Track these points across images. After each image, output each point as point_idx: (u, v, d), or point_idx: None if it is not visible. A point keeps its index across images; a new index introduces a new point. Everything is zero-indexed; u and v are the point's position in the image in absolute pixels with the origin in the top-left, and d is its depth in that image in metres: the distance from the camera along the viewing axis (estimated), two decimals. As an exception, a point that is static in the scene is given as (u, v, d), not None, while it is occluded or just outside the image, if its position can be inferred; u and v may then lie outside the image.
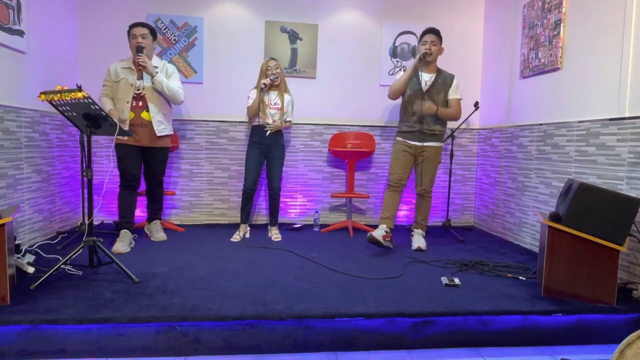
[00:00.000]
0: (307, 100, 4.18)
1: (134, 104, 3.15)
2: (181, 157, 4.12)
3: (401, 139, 3.39)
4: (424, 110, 3.25)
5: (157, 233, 3.41)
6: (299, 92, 4.11)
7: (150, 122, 3.18)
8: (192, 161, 4.13)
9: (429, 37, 3.26)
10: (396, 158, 3.37)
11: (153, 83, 3.14)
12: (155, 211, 3.51)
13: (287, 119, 3.64)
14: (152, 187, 3.43)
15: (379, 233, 3.14)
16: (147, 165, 3.32)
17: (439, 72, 3.35)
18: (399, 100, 3.49)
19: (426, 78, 3.31)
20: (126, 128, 3.10)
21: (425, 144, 3.33)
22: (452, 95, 3.35)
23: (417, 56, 3.23)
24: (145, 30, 3.13)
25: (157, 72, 3.15)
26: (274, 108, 3.56)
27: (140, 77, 3.16)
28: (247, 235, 3.64)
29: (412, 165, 3.40)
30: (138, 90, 3.15)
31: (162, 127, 3.23)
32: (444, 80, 3.33)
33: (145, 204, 3.56)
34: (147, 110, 3.17)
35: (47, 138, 3.41)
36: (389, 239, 3.22)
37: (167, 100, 3.32)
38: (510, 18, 3.87)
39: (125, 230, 3.19)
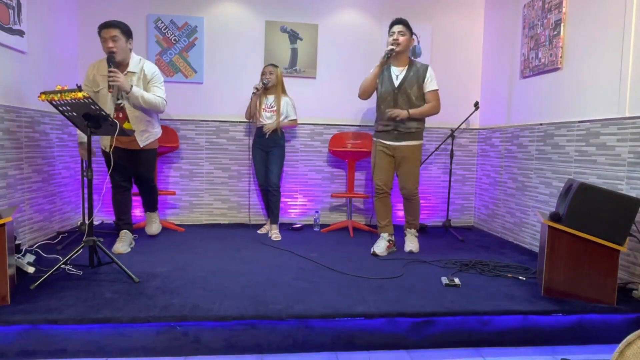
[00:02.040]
0: (307, 100, 4.18)
1: (115, 115, 2.94)
2: (181, 157, 4.12)
3: (377, 139, 3.21)
4: (392, 116, 3.03)
5: (149, 225, 3.39)
6: (299, 92, 4.11)
7: (133, 131, 2.93)
8: (192, 161, 4.13)
9: (397, 28, 3.03)
10: (375, 163, 3.21)
11: (128, 99, 2.90)
12: (148, 203, 3.47)
13: (291, 118, 3.74)
14: (144, 189, 3.38)
15: (382, 246, 3.13)
16: (135, 169, 3.21)
17: (410, 64, 3.12)
18: None
19: (397, 72, 3.10)
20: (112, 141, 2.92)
21: (402, 143, 3.11)
22: (428, 87, 3.09)
23: (385, 52, 3.03)
24: (115, 32, 2.78)
25: (132, 84, 2.86)
26: (270, 111, 3.66)
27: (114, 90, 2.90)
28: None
29: (393, 166, 3.21)
30: (118, 100, 2.93)
31: (145, 137, 3.07)
32: (416, 73, 3.08)
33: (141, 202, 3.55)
34: (128, 121, 2.97)
35: (47, 138, 3.41)
36: (392, 246, 3.22)
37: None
38: (510, 18, 3.87)
39: (125, 230, 3.18)
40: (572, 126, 3.03)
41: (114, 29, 2.79)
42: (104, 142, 3.06)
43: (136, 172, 3.24)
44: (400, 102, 3.09)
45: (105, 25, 2.80)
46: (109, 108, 2.91)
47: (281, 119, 3.65)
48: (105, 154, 3.01)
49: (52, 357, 1.88)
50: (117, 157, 3.01)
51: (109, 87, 2.76)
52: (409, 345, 2.06)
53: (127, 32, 2.89)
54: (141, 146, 3.08)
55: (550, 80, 3.30)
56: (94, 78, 2.92)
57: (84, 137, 2.73)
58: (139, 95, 2.88)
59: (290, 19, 4.14)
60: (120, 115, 2.98)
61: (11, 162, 2.95)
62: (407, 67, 3.12)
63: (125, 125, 2.96)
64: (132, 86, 2.86)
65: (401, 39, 3.03)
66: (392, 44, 3.02)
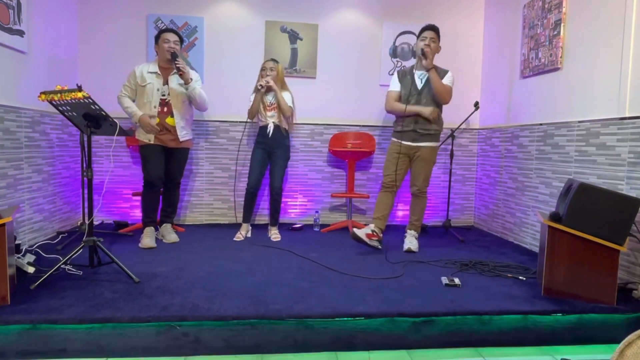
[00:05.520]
0: (307, 100, 4.18)
1: (159, 110, 3.21)
2: (181, 157, 4.12)
3: (396, 139, 3.30)
4: (424, 50, 3.12)
5: (169, 235, 3.40)
6: (299, 92, 4.10)
7: (173, 127, 3.26)
8: (192, 161, 4.13)
9: (429, 34, 3.16)
10: (389, 159, 3.29)
11: (187, 89, 3.24)
12: (168, 214, 3.49)
13: (289, 104, 3.53)
14: (170, 189, 3.43)
15: (362, 231, 3.13)
16: (167, 165, 3.34)
17: (434, 68, 3.19)
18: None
19: (421, 75, 3.23)
20: (154, 123, 3.19)
21: (419, 144, 3.22)
22: (444, 81, 3.18)
23: (418, 54, 3.16)
24: (177, 38, 3.22)
25: (191, 79, 3.22)
26: (271, 109, 3.55)
27: (165, 83, 3.24)
28: (249, 235, 3.65)
29: (407, 166, 3.30)
30: (163, 95, 3.22)
31: (184, 133, 3.32)
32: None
33: (160, 205, 3.51)
34: (172, 116, 3.25)
35: (47, 138, 3.41)
36: (376, 238, 3.17)
37: (190, 106, 3.40)
38: (510, 18, 3.87)
39: (151, 227, 3.27)
40: (572, 126, 3.03)
41: (176, 35, 3.23)
42: (148, 135, 3.20)
43: (169, 169, 3.35)
44: (423, 103, 3.20)
45: (168, 30, 3.24)
46: (154, 101, 3.20)
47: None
48: (144, 149, 3.23)
49: (52, 357, 1.88)
50: (156, 153, 3.23)
51: (178, 70, 3.13)
52: (409, 345, 2.06)
53: (182, 41, 3.33)
54: (181, 140, 3.30)
55: (550, 80, 3.30)
56: (142, 75, 3.21)
57: (138, 114, 3.15)
58: (196, 87, 3.26)
59: (290, 19, 4.14)
60: (165, 109, 3.24)
61: (11, 162, 2.95)
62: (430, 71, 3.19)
63: (168, 120, 3.25)
64: (191, 79, 3.23)
65: (432, 45, 3.15)
66: (427, 50, 3.13)
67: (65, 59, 3.72)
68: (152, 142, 3.20)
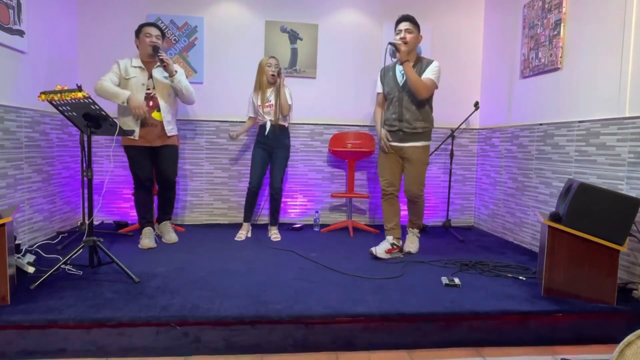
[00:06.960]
0: (307, 100, 4.18)
1: (145, 104, 3.13)
2: (181, 157, 4.11)
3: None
4: (396, 44, 2.87)
5: (168, 234, 3.39)
6: (299, 92, 4.11)
7: (160, 122, 3.18)
8: (192, 161, 4.13)
9: (403, 25, 2.93)
10: (382, 162, 3.13)
11: (172, 82, 3.16)
12: (166, 212, 3.48)
13: (288, 102, 3.51)
14: (165, 190, 3.40)
15: (382, 248, 3.03)
16: (157, 166, 3.29)
17: (419, 61, 3.00)
18: None
19: (402, 70, 2.98)
20: (137, 127, 3.11)
21: (407, 144, 3.01)
22: (425, 74, 2.93)
23: (388, 47, 2.95)
24: (158, 32, 3.17)
25: (176, 71, 3.16)
26: (267, 106, 3.51)
27: (150, 77, 3.17)
28: (249, 235, 3.65)
29: (401, 166, 3.10)
30: (148, 90, 3.15)
31: (170, 127, 3.24)
32: (420, 69, 2.96)
33: (156, 205, 3.51)
34: (158, 110, 3.17)
35: (47, 138, 3.41)
36: (396, 250, 3.08)
37: (176, 100, 3.35)
38: (510, 18, 3.87)
39: (149, 227, 3.26)
40: (572, 126, 3.03)
41: (157, 29, 3.19)
42: (133, 127, 3.12)
43: (159, 169, 3.30)
44: (405, 101, 2.98)
45: (149, 24, 3.19)
46: (139, 96, 3.12)
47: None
48: (129, 151, 3.18)
49: (52, 357, 1.89)
50: (141, 154, 3.18)
51: (161, 62, 3.08)
52: (409, 345, 2.06)
53: (164, 36, 3.30)
54: (168, 134, 3.22)
55: (550, 80, 3.30)
56: (126, 68, 3.15)
57: (126, 93, 3.04)
58: (182, 79, 3.21)
59: (290, 19, 4.14)
60: (151, 103, 3.16)
61: (11, 162, 2.95)
62: (413, 65, 2.98)
63: (154, 115, 3.17)
64: (176, 72, 3.17)
65: (408, 37, 2.91)
66: (398, 42, 2.88)
67: (65, 59, 3.72)
68: (137, 144, 3.13)
